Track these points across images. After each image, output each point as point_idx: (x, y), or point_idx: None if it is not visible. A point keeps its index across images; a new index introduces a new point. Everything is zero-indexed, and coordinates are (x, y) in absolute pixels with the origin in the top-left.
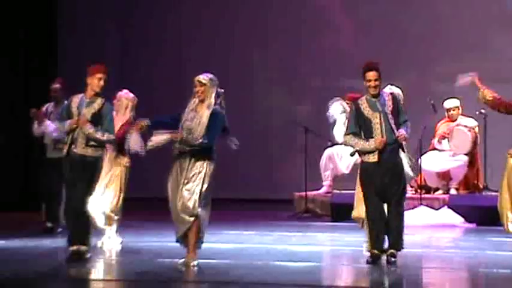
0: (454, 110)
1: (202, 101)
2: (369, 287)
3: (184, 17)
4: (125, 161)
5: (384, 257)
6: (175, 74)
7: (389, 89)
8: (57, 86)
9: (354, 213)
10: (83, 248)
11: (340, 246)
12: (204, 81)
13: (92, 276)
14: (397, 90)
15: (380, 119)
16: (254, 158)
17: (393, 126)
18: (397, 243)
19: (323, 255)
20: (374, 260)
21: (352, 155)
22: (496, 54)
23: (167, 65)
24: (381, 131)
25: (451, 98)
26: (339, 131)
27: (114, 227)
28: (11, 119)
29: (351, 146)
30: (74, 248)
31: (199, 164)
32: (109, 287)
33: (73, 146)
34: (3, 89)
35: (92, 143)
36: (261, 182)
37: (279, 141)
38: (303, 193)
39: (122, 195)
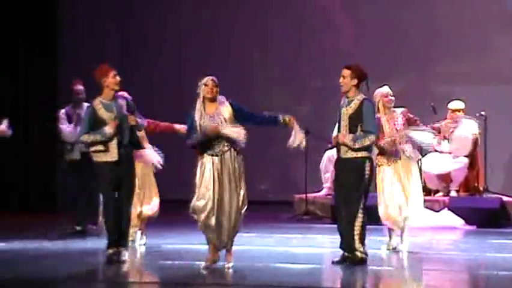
0: (458, 112)
1: (210, 100)
2: None
3: (184, 17)
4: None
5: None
6: (175, 74)
7: (386, 89)
8: (81, 87)
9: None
10: (126, 249)
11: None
12: (217, 83)
13: (94, 277)
14: (385, 91)
15: (339, 120)
16: (254, 159)
17: (342, 127)
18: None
19: (324, 257)
20: (339, 261)
21: None
22: (496, 54)
23: (167, 65)
24: (338, 130)
25: (456, 99)
26: None
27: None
28: (11, 119)
29: None
30: (113, 250)
31: (238, 159)
32: None
33: (124, 149)
34: (3, 89)
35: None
36: (261, 183)
37: (279, 143)
38: (304, 195)
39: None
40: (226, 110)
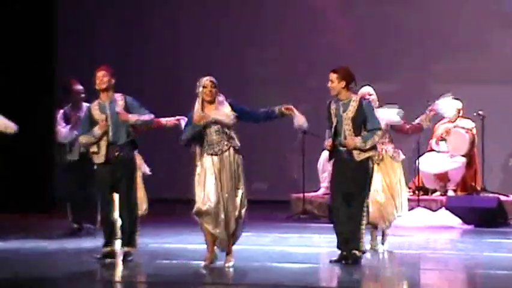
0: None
1: (209, 102)
2: None
3: (184, 17)
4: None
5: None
6: (175, 74)
7: (365, 89)
8: (81, 87)
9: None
10: (133, 250)
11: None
12: (216, 83)
13: (92, 277)
14: (365, 91)
15: (336, 123)
16: (251, 158)
17: (347, 131)
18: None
19: (320, 257)
20: (337, 260)
21: None
22: (495, 54)
23: (167, 66)
24: (336, 134)
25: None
26: None
27: None
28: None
29: None
30: (108, 249)
31: (237, 158)
32: None
33: (116, 149)
34: (3, 90)
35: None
36: (258, 182)
37: (277, 143)
38: (301, 194)
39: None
40: (229, 109)
